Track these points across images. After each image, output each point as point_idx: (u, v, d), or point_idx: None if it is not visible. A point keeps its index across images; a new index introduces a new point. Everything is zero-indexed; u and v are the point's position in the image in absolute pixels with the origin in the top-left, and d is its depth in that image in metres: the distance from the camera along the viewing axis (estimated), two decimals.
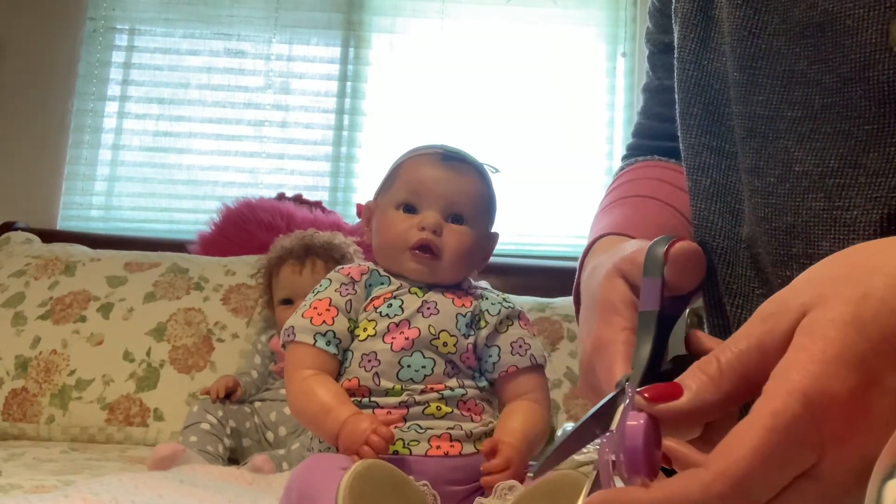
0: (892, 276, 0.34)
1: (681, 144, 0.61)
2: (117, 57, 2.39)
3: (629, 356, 0.44)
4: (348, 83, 2.41)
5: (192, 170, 2.36)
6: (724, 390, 0.35)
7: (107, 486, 0.95)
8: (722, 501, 0.31)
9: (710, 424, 0.38)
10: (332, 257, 1.57)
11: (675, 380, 0.36)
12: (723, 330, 0.59)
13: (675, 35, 0.60)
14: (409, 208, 0.91)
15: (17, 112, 2.30)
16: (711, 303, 0.59)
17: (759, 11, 0.52)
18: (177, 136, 2.37)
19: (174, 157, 2.37)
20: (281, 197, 2.13)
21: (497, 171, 0.98)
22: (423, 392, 0.83)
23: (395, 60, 2.42)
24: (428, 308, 0.87)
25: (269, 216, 1.96)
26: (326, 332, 0.85)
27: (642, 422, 0.34)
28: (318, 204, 2.09)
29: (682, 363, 0.43)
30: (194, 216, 2.27)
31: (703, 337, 0.44)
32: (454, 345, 0.86)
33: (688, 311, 0.48)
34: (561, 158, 2.36)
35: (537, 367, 0.90)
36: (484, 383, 0.88)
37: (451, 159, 0.93)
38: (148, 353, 1.65)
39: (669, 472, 0.36)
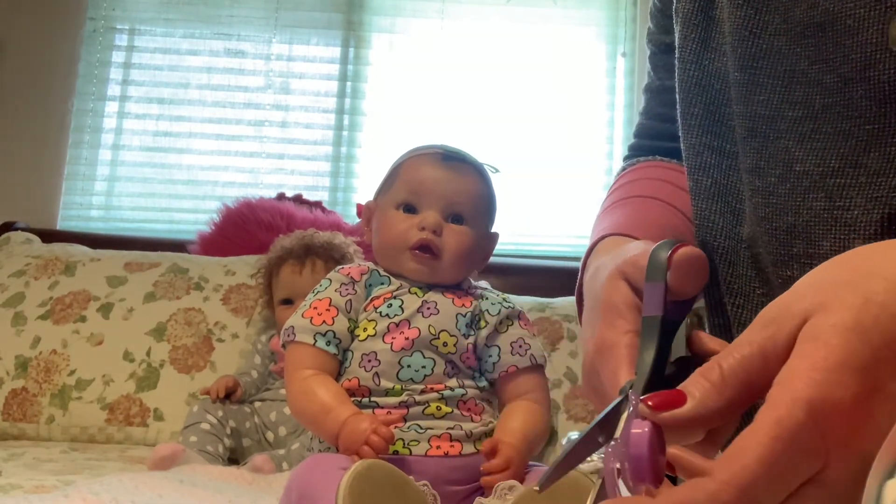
0: (892, 280, 0.34)
1: (682, 144, 0.61)
2: (117, 57, 2.39)
3: (632, 360, 0.44)
4: (348, 83, 2.41)
5: (192, 170, 2.36)
6: (727, 397, 0.35)
7: (107, 486, 0.95)
8: None
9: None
10: (332, 257, 1.57)
11: (678, 387, 0.36)
12: (724, 330, 0.59)
13: (676, 35, 0.60)
14: (409, 208, 0.91)
15: (17, 112, 2.30)
16: (712, 303, 0.59)
17: (760, 11, 0.52)
18: (177, 136, 2.37)
19: (174, 157, 2.37)
20: (281, 197, 2.13)
21: (497, 171, 0.98)
22: (423, 392, 0.83)
23: (395, 60, 2.42)
24: (428, 308, 0.87)
25: (269, 216, 1.96)
26: (326, 332, 0.85)
27: (647, 430, 0.34)
28: (318, 204, 2.09)
29: (684, 365, 0.43)
30: (194, 216, 2.27)
31: (705, 337, 0.44)
32: (454, 345, 0.86)
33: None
34: (561, 158, 2.36)
35: (537, 367, 0.90)
36: (484, 383, 0.88)
37: (451, 159, 0.93)
38: (148, 353, 1.65)
39: (672, 478, 0.36)
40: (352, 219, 2.08)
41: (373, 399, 0.84)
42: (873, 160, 0.48)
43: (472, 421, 0.84)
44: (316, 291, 0.90)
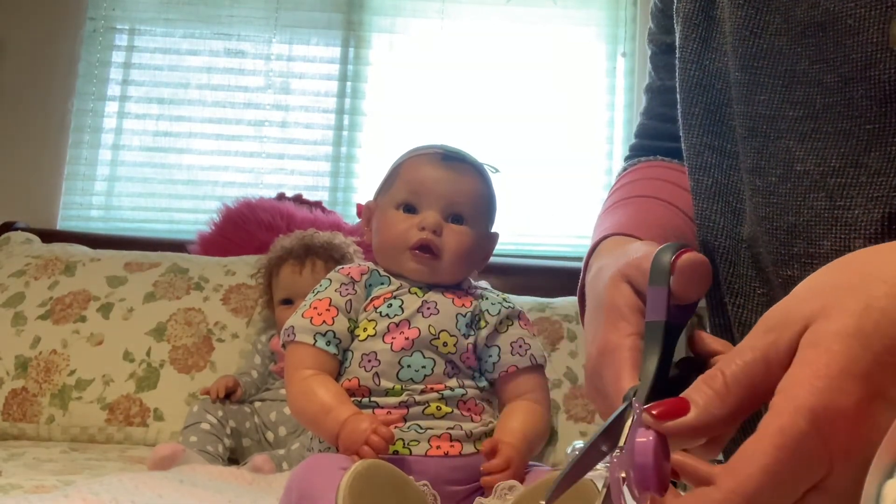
0: (893, 284, 0.34)
1: (683, 144, 0.61)
2: (117, 57, 2.39)
3: (636, 363, 0.44)
4: (348, 83, 2.41)
5: (192, 170, 2.36)
6: (731, 404, 0.35)
7: (107, 486, 0.95)
8: None
9: None
10: (332, 257, 1.57)
11: (682, 394, 0.36)
12: (724, 329, 0.59)
13: (677, 35, 0.60)
14: (409, 208, 0.91)
15: (17, 112, 2.30)
16: (713, 303, 0.59)
17: (760, 11, 0.52)
18: (177, 136, 2.37)
19: (174, 157, 2.37)
20: (281, 197, 2.13)
21: (497, 171, 0.98)
22: (423, 392, 0.83)
23: (395, 60, 2.42)
24: (428, 308, 0.87)
25: (269, 216, 1.96)
26: (326, 332, 0.85)
27: (651, 438, 0.34)
28: (318, 204, 2.09)
29: (686, 366, 0.43)
30: (194, 216, 2.27)
31: (707, 337, 0.44)
32: (454, 345, 0.86)
33: None
34: (561, 158, 2.36)
35: (537, 367, 0.90)
36: (484, 383, 0.88)
37: (451, 159, 0.93)
38: (148, 353, 1.65)
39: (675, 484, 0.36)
40: (352, 219, 2.08)
41: (373, 399, 0.83)
42: (874, 160, 0.48)
43: (472, 421, 0.84)
44: (316, 291, 0.90)
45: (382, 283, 0.90)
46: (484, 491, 0.80)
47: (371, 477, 0.67)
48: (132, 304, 1.72)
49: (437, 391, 0.84)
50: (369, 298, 0.89)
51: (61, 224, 2.28)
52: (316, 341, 0.84)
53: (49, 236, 2.02)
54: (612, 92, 2.42)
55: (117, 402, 1.59)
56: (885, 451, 0.29)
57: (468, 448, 0.82)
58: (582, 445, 0.39)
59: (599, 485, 0.38)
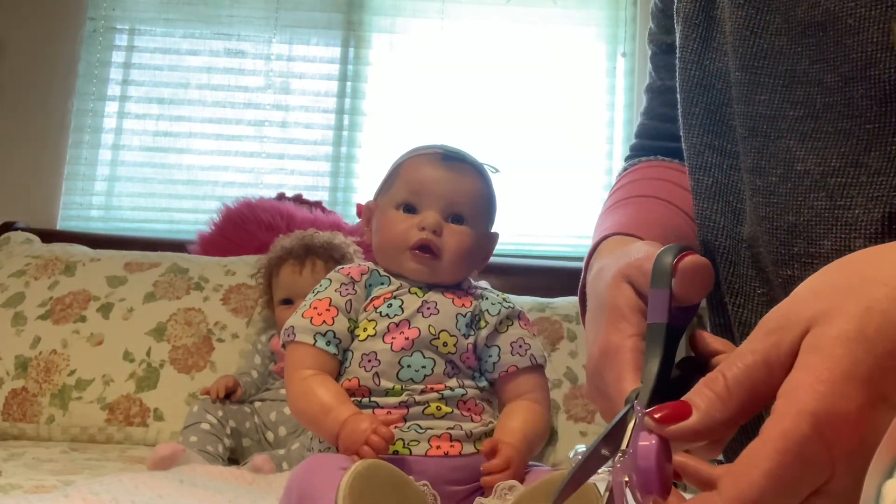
0: (893, 286, 0.34)
1: (683, 144, 0.61)
2: (117, 57, 2.39)
3: (637, 364, 0.44)
4: (348, 83, 2.41)
5: (192, 170, 2.36)
6: (732, 407, 0.35)
7: (107, 486, 0.95)
8: None
9: None
10: (332, 257, 1.57)
11: (683, 397, 0.36)
12: (724, 329, 0.59)
13: (678, 35, 0.60)
14: (409, 208, 0.91)
15: (17, 112, 2.30)
16: (713, 302, 0.59)
17: (760, 11, 0.52)
18: (177, 136, 2.37)
19: (174, 157, 2.37)
20: (281, 197, 2.13)
21: (497, 171, 0.98)
22: (423, 392, 0.83)
23: (395, 60, 2.42)
24: (428, 308, 0.87)
25: (269, 216, 1.96)
26: (326, 332, 0.85)
27: (654, 442, 0.34)
28: (318, 204, 2.09)
29: (687, 366, 0.43)
30: (194, 216, 2.27)
31: (708, 337, 0.44)
32: (454, 345, 0.86)
33: None
34: (561, 158, 2.36)
35: (537, 367, 0.90)
36: (484, 383, 0.88)
37: (451, 159, 0.93)
38: (148, 353, 1.65)
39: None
40: (352, 219, 2.08)
41: (373, 399, 0.83)
42: (874, 159, 0.48)
43: (472, 421, 0.84)
44: (316, 291, 0.89)
45: (382, 283, 0.90)
46: (484, 491, 0.80)
47: (371, 477, 0.67)
48: (132, 304, 1.72)
49: (437, 391, 0.84)
50: (369, 298, 0.89)
51: (61, 224, 2.28)
52: (316, 341, 0.84)
53: (49, 236, 2.02)
54: (612, 92, 2.42)
55: (117, 402, 1.59)
56: (884, 450, 0.29)
57: (468, 448, 0.82)
58: (584, 449, 0.39)
59: (602, 488, 0.38)
